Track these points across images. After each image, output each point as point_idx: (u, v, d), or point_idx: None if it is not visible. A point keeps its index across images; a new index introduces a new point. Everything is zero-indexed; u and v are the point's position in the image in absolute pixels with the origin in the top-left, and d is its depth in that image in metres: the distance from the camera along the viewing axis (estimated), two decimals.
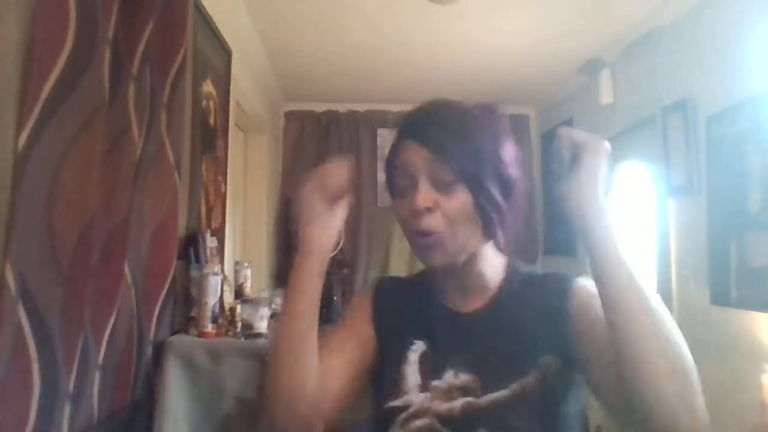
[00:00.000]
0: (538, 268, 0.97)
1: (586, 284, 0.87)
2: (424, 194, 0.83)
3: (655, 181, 2.96)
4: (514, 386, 0.84)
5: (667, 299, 2.77)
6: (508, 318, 0.89)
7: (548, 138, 4.33)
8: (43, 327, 1.03)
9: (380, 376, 0.93)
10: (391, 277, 1.09)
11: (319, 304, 0.89)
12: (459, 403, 0.85)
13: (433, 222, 0.84)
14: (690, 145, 2.56)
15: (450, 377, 0.87)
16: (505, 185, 0.88)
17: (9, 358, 0.96)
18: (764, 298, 2.11)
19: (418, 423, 0.86)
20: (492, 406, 0.84)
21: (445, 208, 0.84)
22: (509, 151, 0.90)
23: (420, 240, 0.86)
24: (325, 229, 0.89)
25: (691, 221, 2.58)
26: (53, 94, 1.05)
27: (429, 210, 0.84)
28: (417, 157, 0.85)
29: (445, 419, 0.85)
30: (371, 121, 4.38)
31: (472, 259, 0.90)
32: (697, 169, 2.52)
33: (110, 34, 1.24)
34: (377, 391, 0.93)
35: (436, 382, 0.88)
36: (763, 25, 2.15)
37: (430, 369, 0.89)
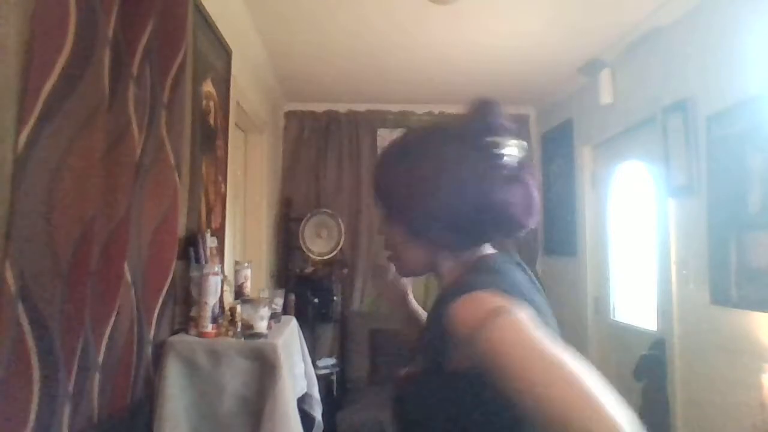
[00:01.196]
0: (484, 275, 0.90)
1: (472, 296, 0.80)
2: (378, 224, 1.02)
3: (655, 181, 2.96)
4: (402, 374, 0.94)
5: (667, 299, 2.77)
6: (429, 316, 0.98)
7: (548, 138, 4.33)
8: (43, 327, 1.03)
9: None
10: None
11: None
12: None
13: (385, 245, 1.02)
14: (690, 145, 2.56)
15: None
16: (438, 208, 0.91)
17: (9, 358, 0.96)
18: (764, 298, 2.11)
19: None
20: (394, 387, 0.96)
21: (386, 237, 1.00)
22: (443, 175, 0.91)
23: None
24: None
25: (691, 221, 2.58)
26: (53, 94, 1.05)
27: (380, 234, 1.02)
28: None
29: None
30: (371, 121, 4.38)
31: (436, 268, 0.99)
32: (697, 169, 2.52)
33: (110, 34, 1.24)
34: None
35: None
36: (763, 25, 2.16)
37: None
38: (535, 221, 0.95)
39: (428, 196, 0.91)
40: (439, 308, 0.87)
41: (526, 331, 0.73)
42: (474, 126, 0.94)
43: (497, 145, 0.92)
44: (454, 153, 0.92)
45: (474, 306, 0.78)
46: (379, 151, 4.37)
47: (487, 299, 0.79)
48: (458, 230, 0.92)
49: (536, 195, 0.95)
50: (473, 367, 0.76)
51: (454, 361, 0.81)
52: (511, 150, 0.93)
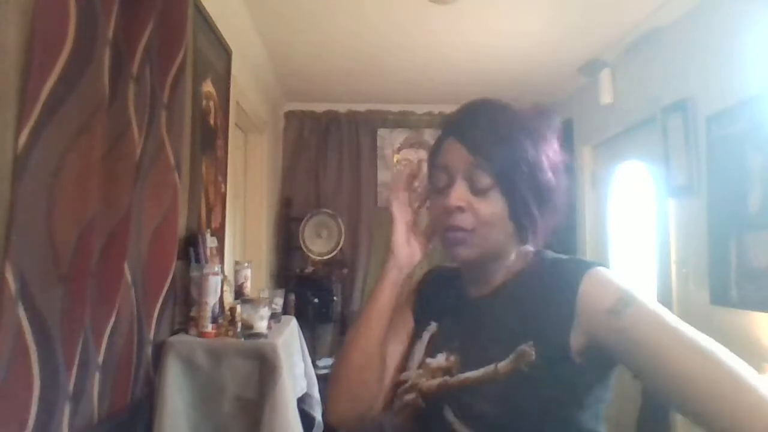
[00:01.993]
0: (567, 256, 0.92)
1: (601, 271, 0.84)
2: (458, 193, 0.86)
3: (655, 181, 2.96)
4: (487, 369, 0.84)
5: (667, 299, 2.77)
6: (504, 304, 0.90)
7: None
8: (43, 327, 1.03)
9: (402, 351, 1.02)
10: (441, 266, 1.09)
11: (389, 316, 0.96)
12: (437, 381, 0.89)
13: (464, 221, 0.86)
14: (690, 145, 2.56)
15: (441, 357, 0.91)
16: (543, 192, 0.88)
17: (9, 358, 0.96)
18: (764, 298, 2.11)
19: (407, 397, 0.92)
20: (459, 385, 0.86)
21: (478, 210, 0.86)
22: (552, 156, 0.90)
23: (449, 235, 0.89)
24: (410, 246, 0.97)
25: (691, 221, 2.58)
26: (53, 94, 1.05)
27: (461, 209, 0.86)
28: (457, 158, 0.88)
29: (425, 395, 0.90)
30: (371, 121, 4.38)
31: (503, 256, 0.91)
32: (697, 169, 2.52)
33: (110, 34, 1.24)
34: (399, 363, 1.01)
35: (429, 360, 0.92)
36: (763, 25, 2.15)
37: (432, 348, 0.94)
38: None
39: (548, 180, 0.88)
40: (543, 288, 0.86)
41: (665, 313, 0.79)
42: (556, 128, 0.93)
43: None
44: (559, 148, 0.91)
45: (608, 281, 0.82)
46: (379, 151, 4.37)
47: (613, 276, 0.83)
48: (547, 222, 0.89)
49: None
50: (605, 341, 0.79)
51: (581, 340, 0.80)
52: None
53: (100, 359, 1.29)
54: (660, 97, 2.82)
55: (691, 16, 2.60)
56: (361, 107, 4.35)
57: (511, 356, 0.82)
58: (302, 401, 2.21)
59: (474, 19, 2.85)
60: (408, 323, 1.02)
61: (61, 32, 1.08)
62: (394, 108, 4.36)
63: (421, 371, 0.92)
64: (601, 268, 0.84)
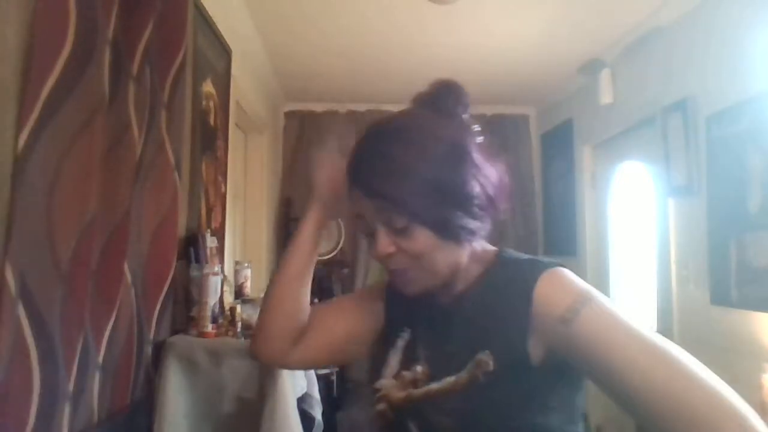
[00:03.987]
0: (532, 256, 0.89)
1: (555, 273, 0.81)
2: (382, 242, 0.84)
3: (655, 181, 2.96)
4: (448, 380, 0.82)
5: (667, 299, 2.77)
6: (465, 312, 0.87)
7: (548, 138, 4.33)
8: (43, 327, 1.03)
9: (375, 355, 0.98)
10: None
11: (311, 253, 0.99)
12: (403, 393, 0.87)
13: (398, 263, 0.85)
14: (690, 145, 2.56)
15: (417, 368, 0.88)
16: (464, 197, 0.83)
17: (9, 358, 0.96)
18: (764, 298, 2.11)
19: (379, 407, 0.90)
20: (422, 398, 0.84)
21: (406, 249, 0.83)
22: (467, 156, 0.84)
23: (392, 278, 0.89)
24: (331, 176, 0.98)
25: (691, 221, 2.58)
26: (53, 94, 1.05)
27: (390, 255, 0.84)
28: (365, 208, 0.85)
29: (394, 407, 0.88)
30: (371, 121, 4.37)
31: (456, 269, 0.88)
32: (697, 169, 2.52)
33: (110, 34, 1.24)
34: (372, 368, 0.97)
35: (404, 372, 0.89)
36: (763, 25, 2.16)
37: (407, 359, 0.91)
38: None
39: (455, 185, 0.82)
40: (500, 293, 0.83)
41: (620, 314, 0.75)
42: (455, 105, 0.90)
43: (475, 124, 0.90)
44: (458, 135, 0.86)
45: (561, 285, 0.79)
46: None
47: (571, 277, 0.81)
48: (482, 216, 0.85)
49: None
50: (560, 349, 0.77)
51: (539, 345, 0.78)
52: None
53: (100, 359, 1.29)
54: (660, 97, 2.82)
55: (691, 16, 2.60)
56: (361, 107, 4.35)
57: (469, 366, 0.80)
58: (302, 401, 2.21)
59: (474, 20, 2.85)
60: (371, 313, 1.00)
61: (61, 32, 1.08)
62: (394, 108, 4.31)
63: (395, 382, 0.89)
64: (556, 270, 0.81)
